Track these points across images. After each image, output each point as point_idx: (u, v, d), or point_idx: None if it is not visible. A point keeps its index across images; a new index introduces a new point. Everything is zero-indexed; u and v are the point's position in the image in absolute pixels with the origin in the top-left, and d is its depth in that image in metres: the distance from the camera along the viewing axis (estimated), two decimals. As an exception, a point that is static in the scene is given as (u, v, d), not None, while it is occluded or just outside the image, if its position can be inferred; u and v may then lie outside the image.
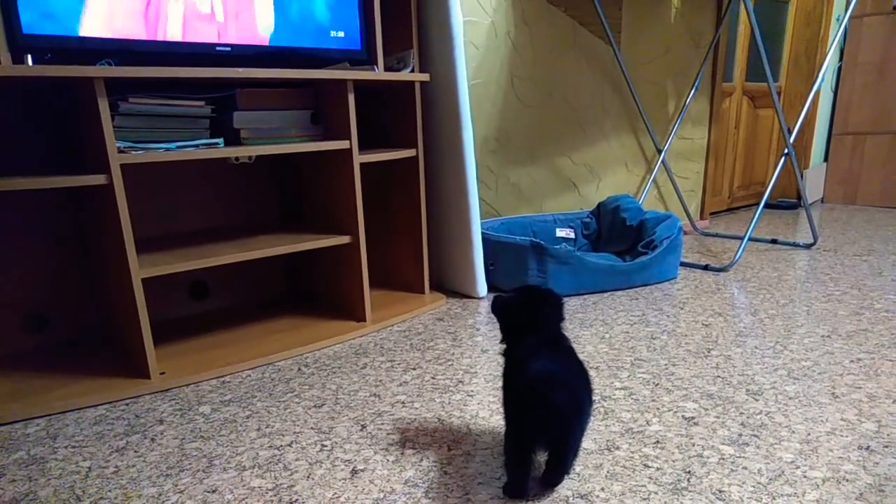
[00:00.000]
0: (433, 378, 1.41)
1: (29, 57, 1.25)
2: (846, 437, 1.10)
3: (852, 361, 1.43)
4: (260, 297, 1.99)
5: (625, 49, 2.57)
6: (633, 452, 1.07)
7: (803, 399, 1.25)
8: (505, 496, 0.95)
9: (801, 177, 2.99)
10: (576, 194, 2.60)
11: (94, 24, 1.30)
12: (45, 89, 1.50)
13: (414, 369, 1.46)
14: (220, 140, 1.47)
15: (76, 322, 1.65)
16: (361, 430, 1.18)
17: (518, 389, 0.94)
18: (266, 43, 1.53)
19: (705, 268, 2.32)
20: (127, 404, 1.32)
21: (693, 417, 1.18)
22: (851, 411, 1.19)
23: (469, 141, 1.82)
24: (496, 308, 1.08)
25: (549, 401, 0.88)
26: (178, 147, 1.39)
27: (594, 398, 1.15)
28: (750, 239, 2.40)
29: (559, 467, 0.96)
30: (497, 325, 1.03)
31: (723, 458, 1.04)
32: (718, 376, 1.37)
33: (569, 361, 0.99)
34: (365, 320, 1.74)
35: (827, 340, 1.57)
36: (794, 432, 1.12)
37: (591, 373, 1.05)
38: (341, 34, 1.66)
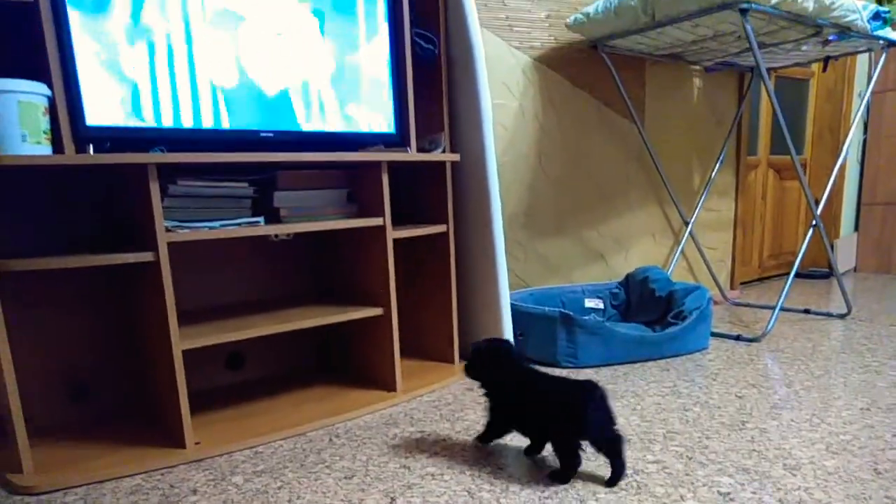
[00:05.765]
0: (463, 450, 1.41)
1: (91, 146, 1.35)
2: (890, 514, 1.07)
3: (894, 436, 1.39)
4: (294, 366, 2.03)
5: (648, 126, 2.66)
6: (666, 528, 1.05)
7: (843, 475, 1.21)
8: None
9: (831, 248, 2.97)
10: (604, 265, 2.62)
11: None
12: (99, 173, 1.61)
13: (444, 440, 1.46)
14: (261, 218, 1.56)
15: (116, 391, 1.70)
16: (391, 502, 1.18)
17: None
18: (306, 128, 1.64)
19: (737, 338, 2.29)
20: (162, 474, 1.34)
21: (729, 493, 1.16)
22: None
23: (497, 215, 1.89)
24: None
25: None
26: (221, 225, 1.47)
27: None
28: (782, 309, 2.38)
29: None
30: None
31: (760, 535, 1.01)
32: (754, 450, 1.34)
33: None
34: (395, 390, 1.76)
35: (866, 413, 1.53)
36: (834, 509, 1.09)
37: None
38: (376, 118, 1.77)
